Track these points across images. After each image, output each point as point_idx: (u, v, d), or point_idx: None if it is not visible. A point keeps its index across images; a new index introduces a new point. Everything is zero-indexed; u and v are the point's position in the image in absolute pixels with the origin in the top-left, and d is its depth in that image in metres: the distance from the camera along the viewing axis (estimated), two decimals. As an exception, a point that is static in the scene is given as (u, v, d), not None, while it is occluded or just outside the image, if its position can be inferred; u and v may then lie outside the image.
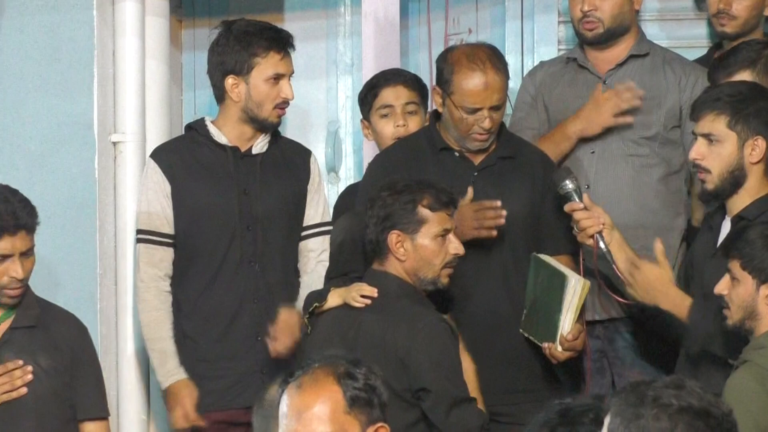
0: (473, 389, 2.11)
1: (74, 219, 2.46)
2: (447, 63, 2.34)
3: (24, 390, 2.22)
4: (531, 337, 2.32)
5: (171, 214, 2.33)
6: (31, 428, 2.19)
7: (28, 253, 2.16)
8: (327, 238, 2.42)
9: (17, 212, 2.11)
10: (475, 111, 2.29)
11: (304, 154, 2.47)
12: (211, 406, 2.21)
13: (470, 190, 2.27)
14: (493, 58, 2.34)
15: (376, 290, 2.11)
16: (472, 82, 2.29)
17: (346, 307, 2.16)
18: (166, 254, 2.35)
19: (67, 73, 2.41)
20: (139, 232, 2.36)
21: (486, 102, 2.29)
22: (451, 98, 2.31)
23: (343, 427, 1.44)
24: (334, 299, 2.16)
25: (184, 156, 2.34)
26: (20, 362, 2.22)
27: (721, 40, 2.60)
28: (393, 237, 2.11)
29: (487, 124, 2.29)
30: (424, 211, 2.10)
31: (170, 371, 2.34)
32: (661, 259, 2.22)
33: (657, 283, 2.22)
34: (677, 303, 2.16)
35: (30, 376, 2.22)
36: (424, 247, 2.13)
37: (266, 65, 2.30)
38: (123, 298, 2.42)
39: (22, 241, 2.12)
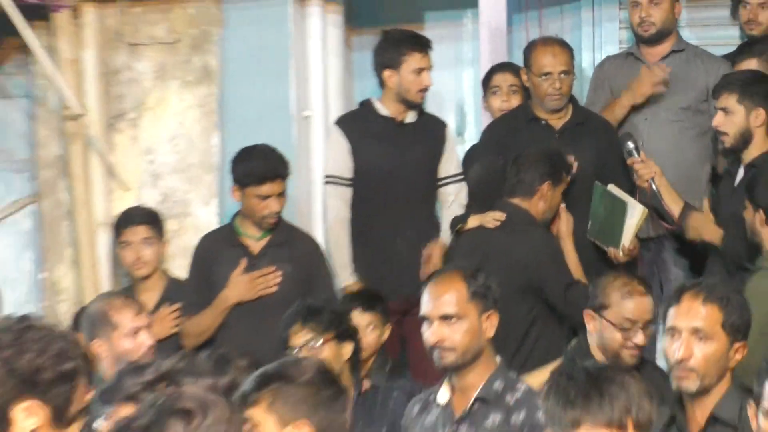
0: (575, 271, 2.72)
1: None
2: (529, 49, 2.97)
3: (274, 289, 2.73)
4: (597, 242, 2.87)
5: (351, 164, 2.91)
6: (273, 322, 2.43)
7: (282, 194, 2.71)
8: (460, 185, 2.98)
9: (276, 165, 2.70)
10: (547, 75, 2.87)
11: (441, 124, 3.06)
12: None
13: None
14: (559, 40, 2.99)
15: (504, 215, 2.70)
16: (544, 54, 2.89)
17: (481, 227, 2.74)
18: (347, 192, 2.94)
19: (273, 69, 3.04)
20: (328, 176, 2.96)
21: (555, 67, 2.88)
22: (532, 70, 2.91)
23: (465, 311, 1.88)
24: (473, 222, 2.75)
25: (359, 123, 2.95)
26: (273, 268, 2.74)
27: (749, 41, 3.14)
28: (546, 186, 2.70)
29: (557, 84, 2.88)
30: (565, 175, 2.77)
31: (345, 278, 2.91)
32: (705, 207, 2.79)
33: (701, 222, 2.77)
34: (715, 235, 2.72)
35: (279, 279, 2.72)
36: (555, 198, 2.75)
37: (412, 61, 2.86)
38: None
39: (279, 186, 2.69)
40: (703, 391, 1.82)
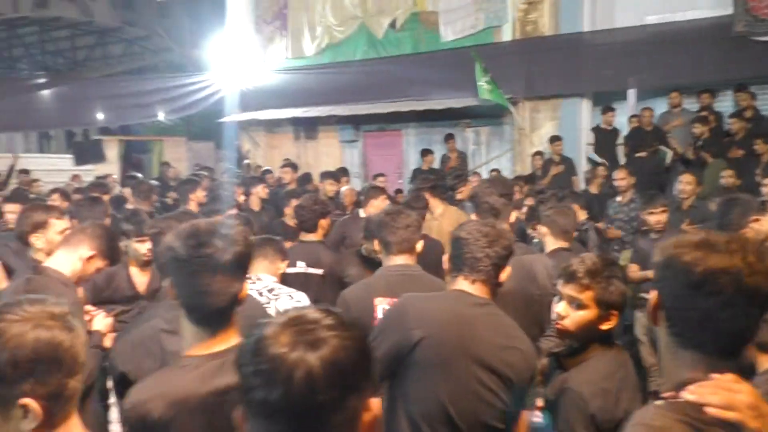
0: None
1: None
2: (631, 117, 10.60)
3: None
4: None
5: (593, 139, 10.83)
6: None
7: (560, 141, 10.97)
8: (622, 145, 10.80)
9: (560, 137, 10.87)
10: (634, 117, 10.46)
11: (617, 130, 10.82)
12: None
13: None
14: (648, 108, 10.45)
15: (646, 153, 10.42)
16: (642, 114, 10.45)
17: (638, 157, 10.48)
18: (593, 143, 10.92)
19: (574, 118, 11.08)
20: (588, 142, 10.93)
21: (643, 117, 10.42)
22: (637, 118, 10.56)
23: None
24: (640, 154, 10.51)
25: (598, 130, 10.80)
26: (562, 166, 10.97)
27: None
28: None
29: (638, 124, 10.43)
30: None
31: None
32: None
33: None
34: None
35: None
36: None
37: (610, 113, 10.54)
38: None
39: (561, 143, 10.90)
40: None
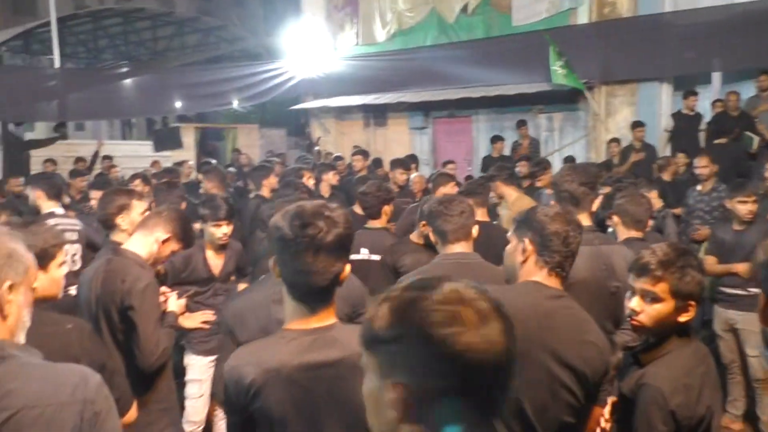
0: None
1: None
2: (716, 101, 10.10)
3: None
4: None
5: (672, 125, 10.40)
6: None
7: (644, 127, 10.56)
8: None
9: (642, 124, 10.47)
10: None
11: (700, 115, 10.38)
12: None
13: None
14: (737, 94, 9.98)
15: (726, 140, 9.94)
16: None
17: (718, 144, 10.04)
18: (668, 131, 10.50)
19: (652, 105, 10.65)
20: (665, 129, 10.53)
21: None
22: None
23: None
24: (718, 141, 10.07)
25: (677, 114, 10.42)
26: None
27: None
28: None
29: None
30: None
31: None
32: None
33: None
34: None
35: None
36: None
37: (691, 97, 10.19)
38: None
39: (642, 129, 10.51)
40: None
